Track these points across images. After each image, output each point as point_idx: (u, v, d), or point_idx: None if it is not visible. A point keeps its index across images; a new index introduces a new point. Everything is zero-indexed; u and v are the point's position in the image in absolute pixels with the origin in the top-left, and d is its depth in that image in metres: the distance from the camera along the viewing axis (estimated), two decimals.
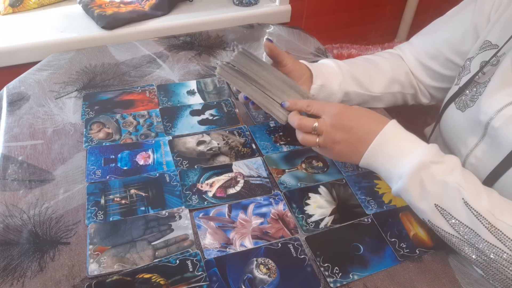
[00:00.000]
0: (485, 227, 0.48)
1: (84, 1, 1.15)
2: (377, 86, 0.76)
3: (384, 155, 0.55)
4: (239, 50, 0.67)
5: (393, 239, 0.59)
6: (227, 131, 0.75)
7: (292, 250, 0.56)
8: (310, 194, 0.65)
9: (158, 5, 1.15)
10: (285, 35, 1.08)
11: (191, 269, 0.53)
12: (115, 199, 0.61)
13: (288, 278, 0.53)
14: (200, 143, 0.72)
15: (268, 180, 0.66)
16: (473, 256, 0.51)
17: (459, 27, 0.71)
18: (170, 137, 0.73)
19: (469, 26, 0.69)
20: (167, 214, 0.60)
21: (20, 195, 0.61)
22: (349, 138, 0.57)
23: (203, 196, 0.63)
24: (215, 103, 0.82)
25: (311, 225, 0.60)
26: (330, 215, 0.62)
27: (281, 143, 0.74)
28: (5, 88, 0.83)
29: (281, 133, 0.76)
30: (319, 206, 0.63)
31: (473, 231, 0.49)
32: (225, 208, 0.61)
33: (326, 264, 0.55)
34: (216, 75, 0.68)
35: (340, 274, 0.54)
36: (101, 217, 0.58)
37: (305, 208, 0.62)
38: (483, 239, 0.48)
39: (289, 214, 0.62)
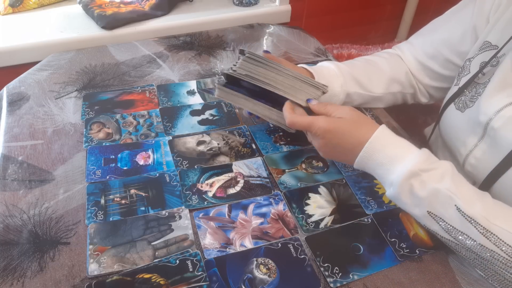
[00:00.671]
0: (480, 232, 0.48)
1: (84, 1, 1.15)
2: (378, 87, 0.76)
3: (374, 162, 0.55)
4: (244, 57, 0.65)
5: (393, 239, 0.59)
6: (227, 131, 0.75)
7: (292, 250, 0.56)
8: (310, 194, 0.65)
9: (158, 5, 1.15)
10: (285, 35, 1.08)
11: (191, 269, 0.53)
12: (115, 199, 0.61)
13: (288, 278, 0.53)
14: (200, 143, 0.72)
15: (268, 180, 0.66)
16: (471, 259, 0.51)
17: (458, 27, 0.71)
18: (170, 137, 0.73)
19: (468, 26, 0.69)
20: (167, 214, 0.60)
21: (20, 195, 0.61)
22: (338, 151, 0.59)
23: (203, 196, 0.63)
24: (215, 103, 0.82)
25: (311, 225, 0.60)
26: (330, 215, 0.62)
27: (281, 143, 0.74)
28: (5, 88, 0.83)
29: (281, 133, 0.76)
30: (319, 206, 0.63)
31: (467, 236, 0.49)
32: (225, 208, 0.61)
33: (326, 264, 0.55)
34: (215, 96, 0.67)
35: (340, 274, 0.54)
36: (101, 217, 0.58)
37: (305, 208, 0.62)
38: (479, 244, 0.49)
39: (289, 214, 0.62)
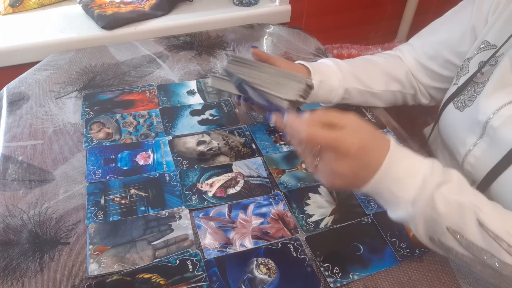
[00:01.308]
0: (503, 248, 0.44)
1: (84, 1, 1.15)
2: (377, 83, 0.76)
3: (391, 178, 0.48)
4: (228, 60, 0.68)
5: (393, 239, 0.59)
6: (227, 131, 0.75)
7: (292, 250, 0.56)
8: (310, 194, 0.65)
9: (158, 5, 1.15)
10: (285, 35, 1.08)
11: (191, 269, 0.53)
12: (115, 199, 0.61)
13: (288, 278, 0.53)
14: (200, 143, 0.72)
15: (268, 180, 0.66)
16: (486, 274, 0.47)
17: (457, 28, 0.72)
18: (170, 137, 0.73)
19: (467, 27, 0.70)
20: (167, 214, 0.60)
21: (20, 195, 0.61)
22: (352, 168, 0.48)
23: (203, 196, 0.63)
24: (215, 103, 0.82)
25: (311, 225, 0.60)
26: (330, 215, 0.62)
27: (281, 143, 0.74)
28: (5, 88, 0.83)
29: (281, 133, 0.76)
30: (319, 206, 0.63)
31: (489, 252, 0.45)
32: (225, 208, 0.61)
33: (326, 264, 0.55)
34: (209, 85, 0.69)
35: (340, 274, 0.54)
36: (101, 217, 0.58)
37: (305, 208, 0.62)
38: (501, 261, 0.45)
39: (289, 214, 0.62)
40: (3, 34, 1.04)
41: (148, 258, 0.54)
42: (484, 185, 0.60)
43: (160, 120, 0.76)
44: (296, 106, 0.69)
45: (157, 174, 0.66)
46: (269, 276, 0.53)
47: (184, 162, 0.68)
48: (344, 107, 0.81)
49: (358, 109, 0.81)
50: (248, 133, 0.75)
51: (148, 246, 0.55)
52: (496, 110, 0.58)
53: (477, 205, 0.46)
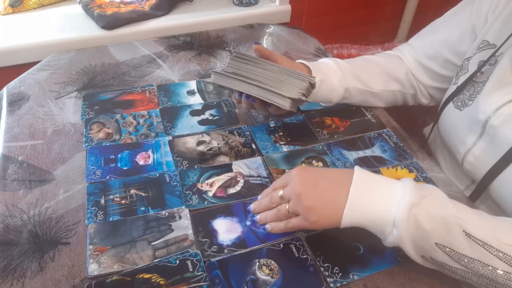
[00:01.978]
0: (493, 254, 0.45)
1: (84, 1, 1.15)
2: (377, 83, 0.76)
3: (364, 210, 0.49)
4: (231, 56, 0.67)
5: None
6: (227, 131, 0.75)
7: (294, 250, 0.56)
8: None
9: (158, 5, 1.15)
10: (285, 35, 1.08)
11: (191, 269, 0.53)
12: (115, 199, 0.61)
13: (291, 278, 0.53)
14: (200, 143, 0.72)
15: (268, 180, 0.66)
16: (483, 285, 0.47)
17: (457, 28, 0.72)
18: (170, 137, 0.73)
19: (467, 26, 0.70)
20: (167, 214, 0.60)
21: (20, 195, 0.61)
22: (318, 191, 0.51)
23: (203, 196, 0.63)
24: (215, 103, 0.82)
25: None
26: None
27: (281, 143, 0.74)
28: (5, 88, 0.83)
29: (281, 133, 0.76)
30: None
31: (479, 261, 0.45)
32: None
33: (326, 264, 0.55)
34: (211, 81, 0.68)
35: (340, 274, 0.54)
36: (101, 217, 0.58)
37: None
38: (492, 267, 0.45)
39: None
40: (3, 34, 1.04)
41: (148, 258, 0.54)
42: (484, 184, 0.60)
43: (160, 120, 0.76)
44: (298, 105, 0.68)
45: (157, 174, 0.66)
46: (271, 277, 0.53)
47: (184, 162, 0.68)
48: (344, 106, 0.81)
49: (358, 109, 0.81)
50: (248, 133, 0.75)
51: (148, 246, 0.55)
52: (496, 109, 0.58)
53: (459, 217, 0.46)
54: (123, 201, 0.61)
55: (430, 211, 0.47)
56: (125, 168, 0.66)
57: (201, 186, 0.64)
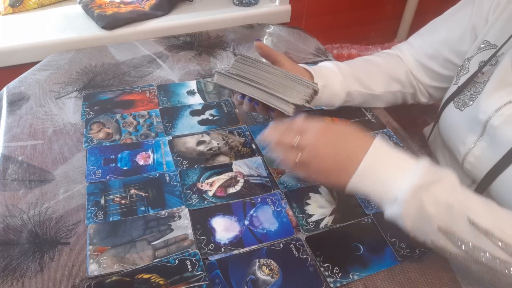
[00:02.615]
0: (494, 244, 0.45)
1: (84, 1, 1.15)
2: (378, 85, 0.76)
3: (373, 178, 0.49)
4: (236, 58, 0.67)
5: (393, 239, 0.59)
6: (227, 131, 0.75)
7: (294, 250, 0.56)
8: (311, 194, 0.65)
9: (158, 5, 1.15)
10: (285, 35, 1.08)
11: (190, 269, 0.53)
12: (115, 199, 0.61)
13: (291, 278, 0.53)
14: (200, 143, 0.72)
15: (268, 179, 0.66)
16: (481, 272, 0.48)
17: (457, 27, 0.71)
18: (170, 137, 0.73)
19: (467, 26, 0.70)
20: (166, 214, 0.60)
21: (20, 195, 0.61)
22: (335, 154, 0.51)
23: (203, 195, 0.63)
24: (215, 103, 0.82)
25: (311, 224, 0.60)
26: (330, 215, 0.62)
27: None
28: (5, 88, 0.83)
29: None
30: (320, 206, 0.63)
31: (481, 249, 0.46)
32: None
33: (326, 264, 0.55)
34: (214, 82, 0.68)
35: (340, 274, 0.54)
36: (101, 217, 0.58)
37: (305, 208, 0.62)
38: (494, 256, 0.45)
39: (290, 213, 0.61)
40: (3, 34, 1.04)
41: (148, 258, 0.54)
42: (484, 184, 0.60)
43: (160, 120, 0.76)
44: (300, 110, 0.68)
45: (157, 174, 0.66)
46: (271, 277, 0.53)
47: (184, 162, 0.68)
48: (344, 107, 0.81)
49: (358, 109, 0.81)
50: (248, 133, 0.75)
51: (148, 246, 0.55)
52: (497, 109, 0.58)
53: (466, 205, 0.46)
54: (123, 201, 0.61)
55: (437, 196, 0.47)
56: (125, 168, 0.66)
57: (201, 186, 0.64)
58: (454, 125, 0.66)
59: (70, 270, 0.52)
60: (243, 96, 0.68)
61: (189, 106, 0.81)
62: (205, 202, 0.62)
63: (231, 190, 0.64)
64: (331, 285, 0.52)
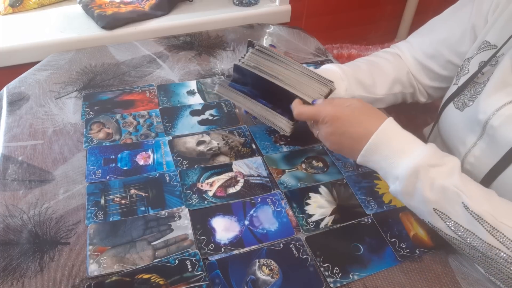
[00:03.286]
0: (486, 229, 0.48)
1: (84, 1, 1.15)
2: (381, 88, 0.76)
3: (380, 155, 0.54)
4: (253, 49, 0.65)
5: (393, 239, 0.59)
6: (227, 131, 0.75)
7: (294, 250, 0.56)
8: (311, 194, 0.65)
9: (158, 5, 1.15)
10: (285, 35, 1.08)
11: (190, 269, 0.53)
12: (115, 199, 0.61)
13: (291, 278, 0.53)
14: (200, 143, 0.72)
15: (268, 179, 0.66)
16: (475, 257, 0.51)
17: (457, 27, 0.71)
18: (170, 137, 0.73)
19: (467, 26, 0.69)
20: (166, 214, 0.60)
21: (20, 195, 0.61)
22: (340, 141, 0.58)
23: (203, 195, 0.63)
24: (215, 103, 0.82)
25: (311, 224, 0.60)
26: (330, 215, 0.62)
27: (281, 143, 0.74)
28: (5, 88, 0.83)
29: (281, 133, 0.75)
30: (320, 206, 0.63)
31: (473, 233, 0.49)
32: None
33: (326, 264, 0.55)
34: (215, 92, 0.67)
35: (340, 274, 0.54)
36: (101, 217, 0.58)
37: (305, 208, 0.62)
38: (484, 241, 0.48)
39: (290, 213, 0.61)
40: (3, 34, 1.04)
41: (148, 258, 0.54)
42: (484, 184, 0.60)
43: (160, 120, 0.76)
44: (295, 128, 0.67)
45: (157, 174, 0.66)
46: (271, 277, 0.53)
47: (184, 162, 0.68)
48: None
49: None
50: (248, 133, 0.75)
51: (148, 246, 0.55)
52: (496, 109, 0.58)
53: (462, 189, 0.49)
54: (123, 201, 0.61)
55: (434, 178, 0.50)
56: (125, 168, 0.66)
57: (201, 186, 0.64)
58: (454, 125, 0.66)
59: (70, 270, 0.52)
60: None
61: (189, 106, 0.81)
62: (205, 202, 0.62)
63: (231, 190, 0.64)
64: (331, 285, 0.52)
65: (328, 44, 1.34)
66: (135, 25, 1.10)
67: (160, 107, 0.80)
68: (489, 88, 0.60)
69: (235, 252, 0.56)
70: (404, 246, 0.58)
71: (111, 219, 0.58)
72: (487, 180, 0.58)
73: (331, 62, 0.96)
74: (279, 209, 0.62)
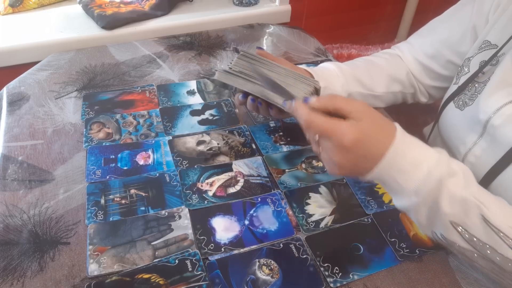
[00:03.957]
0: (507, 244, 0.45)
1: (84, 1, 1.15)
2: (379, 86, 0.76)
3: (395, 169, 0.47)
4: (238, 55, 0.67)
5: (393, 239, 0.59)
6: (227, 131, 0.75)
7: (294, 250, 0.56)
8: (311, 194, 0.65)
9: (158, 5, 1.15)
10: (285, 35, 1.08)
11: (190, 269, 0.53)
12: (115, 199, 0.61)
13: (291, 278, 0.53)
14: (200, 143, 0.72)
15: (268, 179, 0.66)
16: (487, 268, 0.48)
17: (457, 27, 0.71)
18: (170, 137, 0.73)
19: (467, 26, 0.70)
20: (166, 214, 0.60)
21: (20, 195, 0.61)
22: (360, 163, 0.48)
23: (203, 195, 0.63)
24: (215, 103, 0.82)
25: (311, 224, 0.60)
26: (330, 214, 0.62)
27: (281, 143, 0.74)
28: (5, 88, 0.83)
29: (281, 133, 0.76)
30: (320, 206, 0.63)
31: (491, 247, 0.46)
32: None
33: (326, 264, 0.55)
34: (215, 79, 0.67)
35: (340, 274, 0.54)
36: (101, 217, 0.58)
37: (305, 208, 0.62)
38: (503, 256, 0.45)
39: (290, 212, 0.61)
40: (3, 34, 1.04)
41: (148, 258, 0.54)
42: (484, 184, 0.60)
43: (160, 120, 0.76)
44: None
45: (157, 174, 0.65)
46: (271, 277, 0.53)
47: (184, 162, 0.68)
48: None
49: None
50: (248, 133, 0.75)
51: (148, 246, 0.55)
52: (497, 109, 0.58)
53: (481, 201, 0.46)
54: (123, 201, 0.61)
55: (452, 191, 0.46)
56: (125, 168, 0.66)
57: (201, 186, 0.64)
58: (454, 125, 0.66)
59: (70, 270, 0.52)
60: (245, 96, 0.68)
61: (189, 106, 0.81)
62: (205, 202, 0.62)
63: (231, 190, 0.64)
64: (331, 285, 0.52)
65: (328, 44, 1.34)
66: (135, 25, 1.10)
67: (160, 107, 0.80)
68: (490, 87, 0.60)
69: (235, 252, 0.56)
70: (404, 246, 0.58)
71: (111, 219, 0.58)
72: (487, 179, 0.58)
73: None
74: (279, 209, 0.62)
